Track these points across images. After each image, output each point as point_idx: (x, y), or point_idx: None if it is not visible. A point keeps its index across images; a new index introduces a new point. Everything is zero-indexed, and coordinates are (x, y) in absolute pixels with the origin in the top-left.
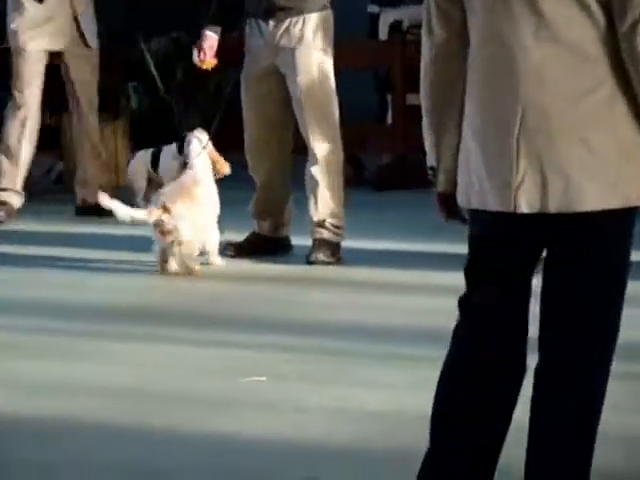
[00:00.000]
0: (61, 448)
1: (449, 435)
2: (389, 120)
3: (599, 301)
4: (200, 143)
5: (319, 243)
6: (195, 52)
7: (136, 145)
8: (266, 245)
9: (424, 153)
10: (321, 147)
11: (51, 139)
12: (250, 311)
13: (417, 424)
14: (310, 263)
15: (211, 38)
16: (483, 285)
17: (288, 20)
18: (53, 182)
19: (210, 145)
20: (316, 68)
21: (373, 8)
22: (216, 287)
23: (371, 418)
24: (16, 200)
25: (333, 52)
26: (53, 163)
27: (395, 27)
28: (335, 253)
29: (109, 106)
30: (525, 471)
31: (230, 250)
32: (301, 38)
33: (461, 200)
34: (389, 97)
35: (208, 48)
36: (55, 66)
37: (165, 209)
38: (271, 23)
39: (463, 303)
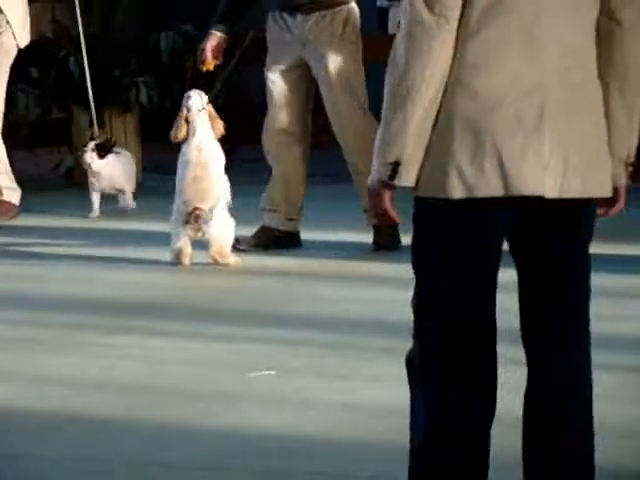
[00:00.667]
0: (67, 442)
1: (437, 431)
2: None
3: (588, 286)
4: (200, 100)
5: (378, 227)
6: (200, 52)
7: (145, 139)
8: (276, 239)
9: None
10: (359, 136)
11: (60, 133)
12: (259, 306)
13: None
14: (379, 247)
15: (214, 38)
16: (454, 287)
17: (316, 14)
18: (62, 177)
19: (208, 104)
20: (349, 60)
21: (382, 2)
22: (225, 282)
23: (379, 412)
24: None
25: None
26: (62, 158)
27: None
28: (396, 233)
29: (119, 100)
30: (524, 466)
31: (240, 245)
32: (332, 31)
33: (440, 191)
34: None
35: (210, 49)
36: (62, 58)
37: (197, 212)
38: (299, 17)
39: (428, 307)
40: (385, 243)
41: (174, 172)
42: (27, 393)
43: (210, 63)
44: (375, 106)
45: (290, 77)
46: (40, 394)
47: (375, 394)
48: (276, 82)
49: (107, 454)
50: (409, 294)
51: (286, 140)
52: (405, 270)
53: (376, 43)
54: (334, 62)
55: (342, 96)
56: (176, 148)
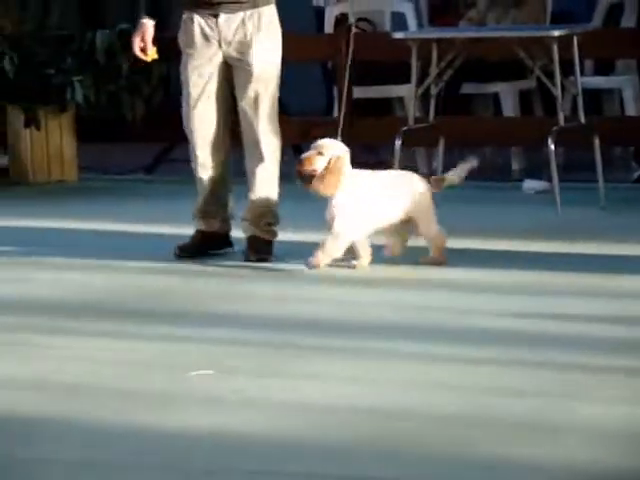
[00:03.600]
0: (1, 442)
1: None
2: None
3: None
4: None
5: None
6: (135, 43)
7: (81, 139)
8: (214, 242)
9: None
10: (268, 141)
11: None
12: (195, 306)
13: (370, 416)
14: (248, 261)
15: (150, 28)
16: None
17: (241, 14)
18: None
19: None
20: (271, 62)
21: (318, 2)
22: (162, 282)
23: (316, 411)
24: None
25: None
26: None
27: (340, 21)
28: (271, 245)
29: (55, 100)
30: None
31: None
32: (256, 32)
33: None
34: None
35: (149, 39)
36: None
37: None
38: (222, 16)
39: None
40: (262, 254)
41: (111, 171)
42: None
43: (153, 52)
44: (320, 106)
45: (215, 78)
46: None
47: (313, 392)
48: (200, 84)
49: (45, 454)
50: (344, 292)
51: (215, 143)
52: (338, 270)
53: (312, 43)
54: (258, 65)
55: (265, 101)
56: (111, 148)
